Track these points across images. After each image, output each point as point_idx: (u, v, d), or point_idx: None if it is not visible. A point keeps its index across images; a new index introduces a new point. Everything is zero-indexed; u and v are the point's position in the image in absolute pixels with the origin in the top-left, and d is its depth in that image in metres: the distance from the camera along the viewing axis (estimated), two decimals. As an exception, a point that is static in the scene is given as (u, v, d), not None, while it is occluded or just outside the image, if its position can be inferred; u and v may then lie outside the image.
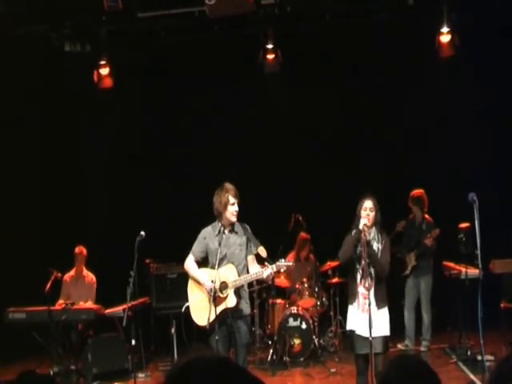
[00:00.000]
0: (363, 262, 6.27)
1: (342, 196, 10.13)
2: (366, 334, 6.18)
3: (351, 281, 6.50)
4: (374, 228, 6.44)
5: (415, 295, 9.62)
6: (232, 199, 6.48)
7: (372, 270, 6.36)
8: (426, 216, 9.61)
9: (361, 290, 6.33)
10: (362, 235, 6.27)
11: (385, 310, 6.44)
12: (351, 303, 6.47)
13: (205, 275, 6.52)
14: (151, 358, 9.75)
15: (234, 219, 6.53)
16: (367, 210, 6.41)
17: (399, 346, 9.47)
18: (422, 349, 9.52)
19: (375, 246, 6.42)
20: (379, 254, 6.41)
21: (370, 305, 6.16)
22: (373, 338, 6.14)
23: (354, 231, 6.42)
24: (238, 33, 10.19)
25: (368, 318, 6.13)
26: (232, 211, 6.50)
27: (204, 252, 6.64)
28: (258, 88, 10.88)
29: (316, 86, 11.12)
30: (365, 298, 6.24)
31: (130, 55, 10.88)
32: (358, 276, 6.35)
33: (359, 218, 6.43)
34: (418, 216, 9.63)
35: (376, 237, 6.45)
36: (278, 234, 9.44)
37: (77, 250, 9.86)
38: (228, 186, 6.56)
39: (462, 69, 10.15)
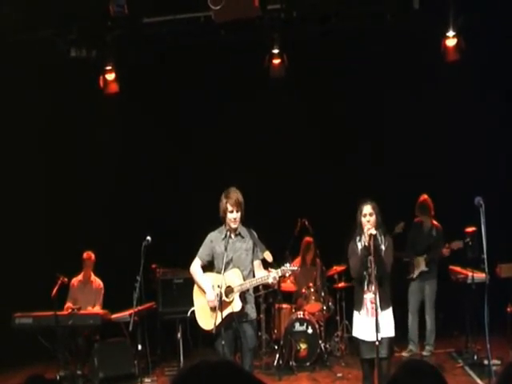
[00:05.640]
0: (370, 269, 6.28)
1: (348, 200, 10.10)
2: (372, 338, 6.18)
3: (358, 288, 6.55)
4: (376, 231, 6.44)
5: (419, 299, 9.56)
6: (230, 207, 6.48)
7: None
8: (434, 222, 9.56)
9: (368, 296, 6.36)
10: (370, 243, 6.27)
11: (389, 311, 6.46)
12: (357, 310, 6.51)
13: (209, 282, 6.52)
14: (157, 363, 9.74)
15: (233, 226, 6.52)
16: (367, 216, 6.46)
17: (404, 353, 9.37)
18: (425, 353, 9.44)
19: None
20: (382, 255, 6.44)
21: (376, 309, 6.17)
22: (379, 341, 6.14)
23: (358, 241, 6.45)
24: (243, 38, 10.19)
25: (375, 322, 6.14)
26: (230, 218, 6.50)
27: (210, 256, 6.64)
28: (264, 93, 10.88)
29: (322, 90, 11.13)
30: (372, 303, 6.26)
31: (136, 60, 10.89)
32: (365, 282, 6.39)
33: (360, 224, 6.46)
34: (427, 222, 9.56)
35: (379, 239, 6.48)
36: (284, 239, 9.44)
37: (85, 255, 9.88)
38: (230, 192, 6.54)
39: (467, 72, 10.13)
